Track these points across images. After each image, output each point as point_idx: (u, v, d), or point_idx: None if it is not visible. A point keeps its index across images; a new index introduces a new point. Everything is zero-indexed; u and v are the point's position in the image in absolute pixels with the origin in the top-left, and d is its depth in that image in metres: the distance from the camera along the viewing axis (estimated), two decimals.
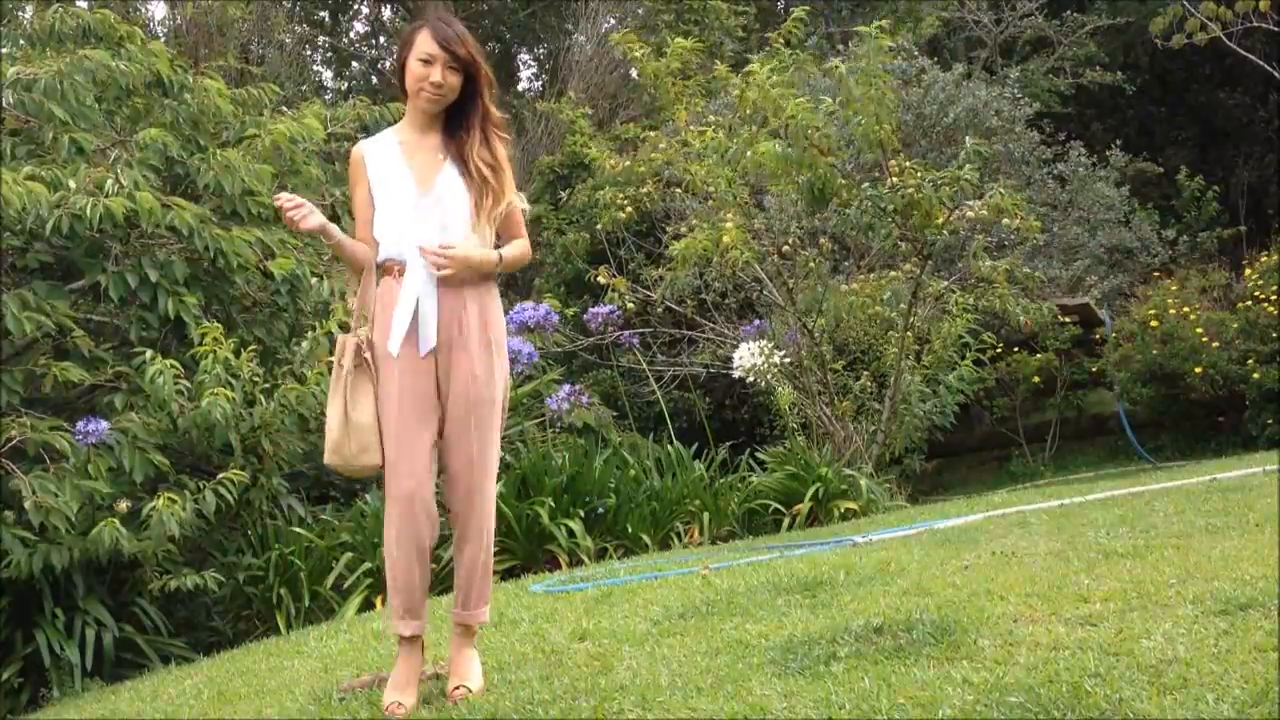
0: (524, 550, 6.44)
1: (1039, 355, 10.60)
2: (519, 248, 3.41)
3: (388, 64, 18.09)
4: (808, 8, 8.57)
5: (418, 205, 3.26)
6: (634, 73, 14.63)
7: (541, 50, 20.02)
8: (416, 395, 3.19)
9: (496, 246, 3.36)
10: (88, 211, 6.15)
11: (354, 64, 19.28)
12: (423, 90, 3.25)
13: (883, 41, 7.46)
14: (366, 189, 3.35)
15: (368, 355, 3.22)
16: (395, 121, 3.58)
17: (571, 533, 6.43)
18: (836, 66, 7.77)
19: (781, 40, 8.09)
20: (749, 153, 7.67)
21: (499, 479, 3.70)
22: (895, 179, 7.70)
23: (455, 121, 3.33)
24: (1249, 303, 9.89)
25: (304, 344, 6.84)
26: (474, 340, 3.23)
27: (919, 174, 7.66)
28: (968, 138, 8.11)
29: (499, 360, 3.28)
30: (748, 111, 7.97)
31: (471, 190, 3.28)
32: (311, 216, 3.20)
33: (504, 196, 3.33)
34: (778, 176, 7.84)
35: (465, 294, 3.25)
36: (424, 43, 3.24)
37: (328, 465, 3.27)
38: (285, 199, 3.19)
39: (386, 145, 3.37)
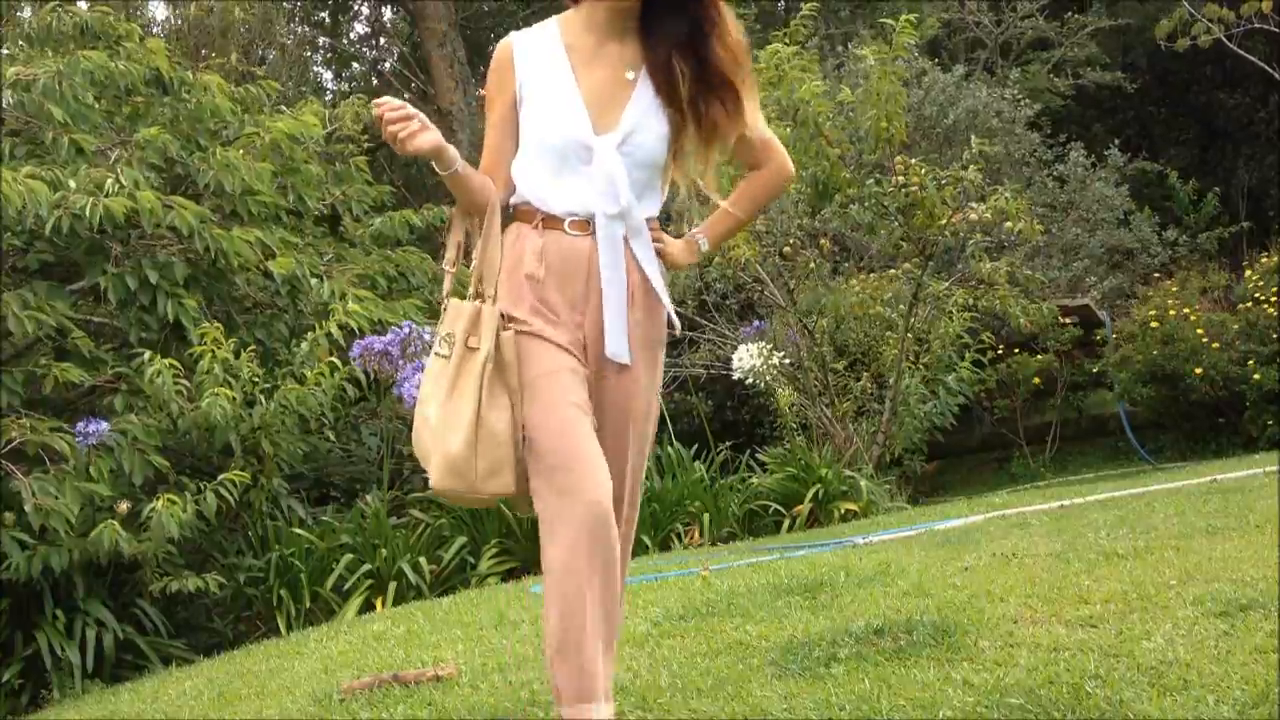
0: (524, 551, 6.44)
1: (1039, 356, 10.59)
2: (757, 187, 2.51)
3: (388, 64, 18.07)
4: (815, 5, 8.51)
5: (595, 150, 2.27)
6: None
7: None
8: (579, 381, 2.29)
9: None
10: (87, 212, 6.15)
11: (354, 65, 19.27)
12: None
13: (905, 36, 7.45)
14: (510, 102, 2.33)
15: (509, 333, 2.24)
16: None
17: None
18: (866, 55, 7.74)
19: (786, 39, 8.09)
20: None
21: None
22: (900, 177, 7.69)
23: (655, 24, 2.29)
24: (1249, 304, 9.88)
25: (304, 345, 6.84)
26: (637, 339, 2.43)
27: (922, 172, 7.66)
28: (973, 137, 8.09)
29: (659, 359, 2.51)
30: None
31: (674, 128, 2.30)
32: (423, 134, 2.15)
33: (735, 124, 2.32)
34: None
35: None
36: None
37: (436, 491, 2.25)
38: (387, 102, 2.16)
39: (548, 48, 2.31)
